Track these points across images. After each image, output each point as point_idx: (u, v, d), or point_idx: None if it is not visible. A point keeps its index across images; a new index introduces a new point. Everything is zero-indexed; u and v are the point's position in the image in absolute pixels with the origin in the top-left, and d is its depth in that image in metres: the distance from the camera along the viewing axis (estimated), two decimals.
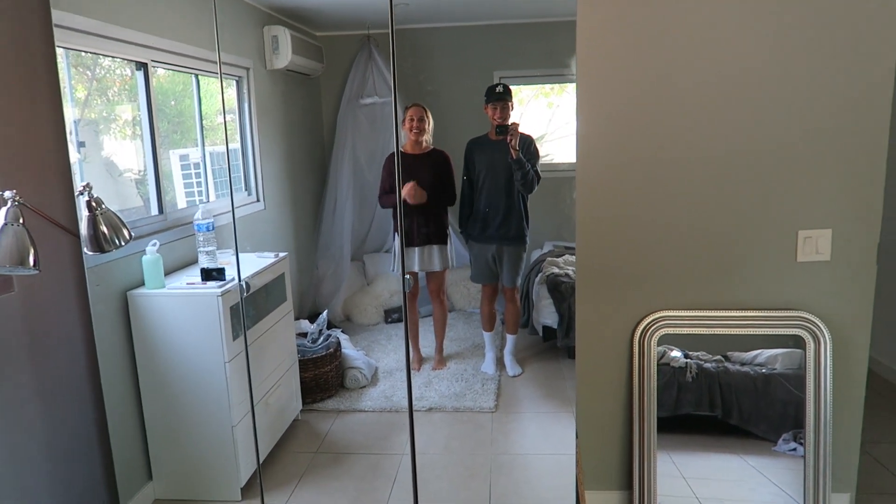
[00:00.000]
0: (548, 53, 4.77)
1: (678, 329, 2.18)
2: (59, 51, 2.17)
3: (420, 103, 3.68)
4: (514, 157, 3.39)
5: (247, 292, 2.51)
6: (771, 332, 2.16)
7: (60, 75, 2.07)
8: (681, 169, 2.08)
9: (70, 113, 2.39)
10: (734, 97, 2.03)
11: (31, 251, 1.63)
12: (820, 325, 2.10)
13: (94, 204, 1.95)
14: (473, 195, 3.66)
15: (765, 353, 2.25)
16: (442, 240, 3.72)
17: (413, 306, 3.81)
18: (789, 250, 2.11)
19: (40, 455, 1.96)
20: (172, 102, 3.23)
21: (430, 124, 3.66)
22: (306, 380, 3.28)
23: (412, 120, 3.60)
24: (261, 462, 2.66)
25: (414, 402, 2.48)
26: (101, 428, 2.22)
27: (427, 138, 3.66)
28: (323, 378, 3.36)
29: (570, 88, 5.41)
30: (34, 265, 1.64)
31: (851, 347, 2.14)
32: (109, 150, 2.66)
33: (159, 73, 2.92)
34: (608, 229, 2.13)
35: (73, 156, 2.11)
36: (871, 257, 2.09)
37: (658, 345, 2.18)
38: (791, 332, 2.13)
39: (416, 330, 3.88)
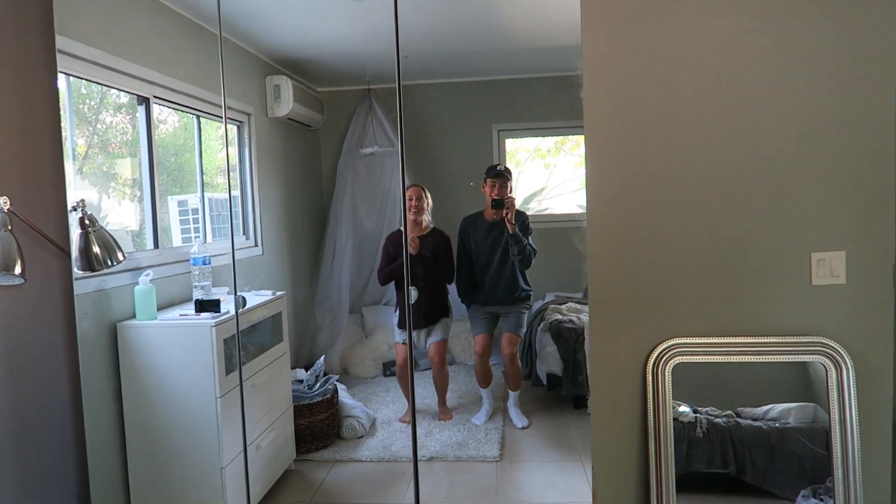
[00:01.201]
0: (546, 107, 4.86)
1: (693, 357, 2.09)
2: (60, 77, 2.17)
3: (418, 183, 3.74)
4: (511, 231, 3.40)
5: (242, 306, 2.41)
6: (789, 360, 2.06)
7: (62, 100, 2.05)
8: (691, 193, 2.04)
9: (70, 167, 2.36)
10: (745, 122, 2.01)
11: (18, 260, 1.57)
12: (841, 351, 2.01)
13: (87, 221, 1.90)
14: (472, 271, 3.67)
15: (777, 408, 2.16)
16: (443, 315, 3.72)
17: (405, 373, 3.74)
18: (803, 273, 2.05)
19: (11, 483, 1.82)
20: (172, 158, 3.23)
21: (428, 203, 3.68)
22: (301, 427, 3.14)
23: (411, 199, 3.63)
24: None
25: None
26: (80, 464, 2.08)
27: (426, 217, 3.67)
28: (318, 426, 3.21)
29: (566, 149, 5.50)
30: (20, 274, 1.56)
31: (874, 374, 2.04)
32: (106, 208, 2.62)
33: (161, 129, 2.93)
34: (619, 257, 2.08)
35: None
36: (888, 279, 2.03)
37: (673, 375, 2.09)
38: (811, 360, 2.04)
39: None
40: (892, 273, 2.03)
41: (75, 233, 1.88)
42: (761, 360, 2.07)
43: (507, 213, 3.39)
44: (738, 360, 2.07)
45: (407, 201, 3.60)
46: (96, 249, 1.90)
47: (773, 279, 2.05)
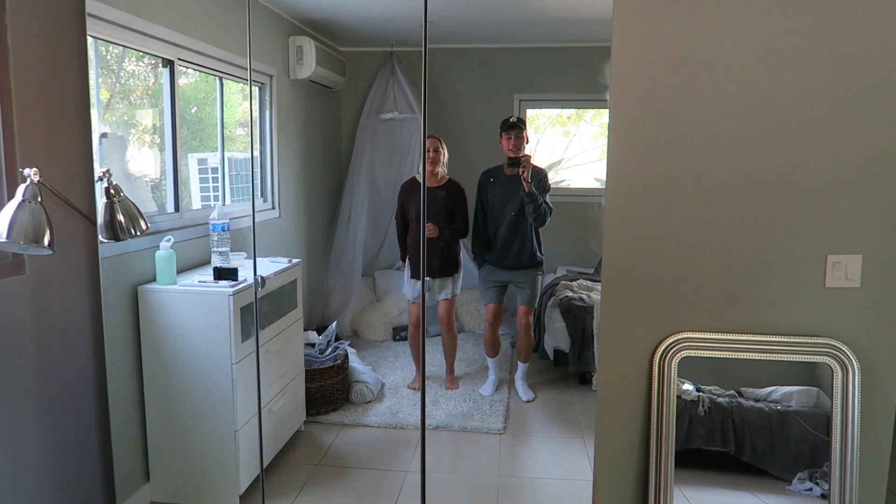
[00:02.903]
0: (569, 78, 4.79)
1: (700, 352, 2.11)
2: (88, 40, 2.17)
3: (435, 135, 3.69)
4: (527, 189, 3.38)
5: (262, 286, 2.46)
6: (796, 360, 2.09)
7: (89, 65, 2.06)
8: (709, 191, 2.04)
9: (94, 115, 2.38)
10: (764, 121, 1.99)
11: (47, 231, 1.60)
12: (849, 353, 2.03)
13: (112, 191, 1.93)
14: (487, 226, 3.65)
15: (780, 390, 2.17)
16: (453, 270, 3.70)
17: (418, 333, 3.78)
18: (818, 275, 2.05)
19: (40, 444, 1.90)
20: (194, 110, 3.23)
21: (444, 155, 3.67)
22: (311, 391, 3.22)
23: (427, 151, 3.59)
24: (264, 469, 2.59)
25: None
26: (103, 423, 2.16)
27: (442, 169, 3.66)
28: (328, 390, 3.29)
29: (587, 118, 5.43)
30: (49, 245, 1.60)
31: (880, 379, 2.06)
32: (128, 155, 2.65)
33: (181, 82, 2.92)
34: (634, 247, 2.08)
35: (95, 150, 2.09)
36: None
37: (679, 367, 2.12)
38: (818, 360, 2.07)
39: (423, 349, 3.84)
40: None
41: (101, 202, 1.91)
42: (768, 359, 2.09)
43: (523, 172, 3.38)
44: (744, 357, 2.10)
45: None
46: (121, 218, 1.94)
47: (787, 279, 2.06)
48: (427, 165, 3.59)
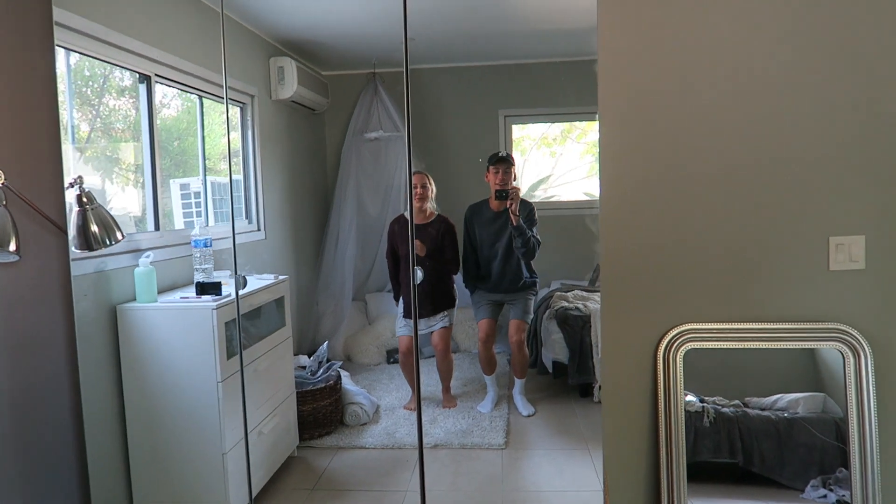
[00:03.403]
0: (554, 92, 4.78)
1: (705, 343, 2.04)
2: (59, 52, 2.11)
3: (422, 170, 3.67)
4: (515, 223, 3.34)
5: (243, 286, 2.36)
6: (805, 346, 2.01)
7: (59, 77, 1.99)
8: (708, 176, 1.99)
9: (71, 153, 2.31)
10: (761, 104, 1.96)
11: (13, 236, 1.52)
12: (860, 338, 1.95)
13: (84, 199, 1.84)
14: (478, 260, 3.64)
15: (786, 398, 2.11)
16: (448, 305, 3.68)
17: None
18: (821, 258, 1.99)
19: (11, 473, 1.78)
20: (176, 142, 3.18)
21: (432, 190, 3.62)
22: (304, 413, 3.10)
23: (415, 187, 3.56)
24: (253, 496, 2.46)
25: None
26: (80, 448, 2.03)
27: (430, 205, 3.61)
28: (322, 412, 3.18)
29: (573, 137, 5.43)
30: (16, 251, 1.52)
31: (893, 362, 1.99)
32: (109, 193, 2.58)
33: (163, 114, 2.87)
34: (632, 239, 2.03)
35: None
36: None
37: (684, 360, 2.04)
38: (827, 346, 1.99)
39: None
40: None
41: (73, 210, 1.83)
42: (776, 347, 2.02)
43: (511, 205, 3.33)
44: (752, 347, 2.02)
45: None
46: (94, 228, 1.85)
47: (790, 264, 2.00)
48: (414, 202, 3.54)
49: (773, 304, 2.02)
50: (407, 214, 3.59)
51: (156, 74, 2.64)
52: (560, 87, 4.72)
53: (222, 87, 2.60)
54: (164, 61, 2.65)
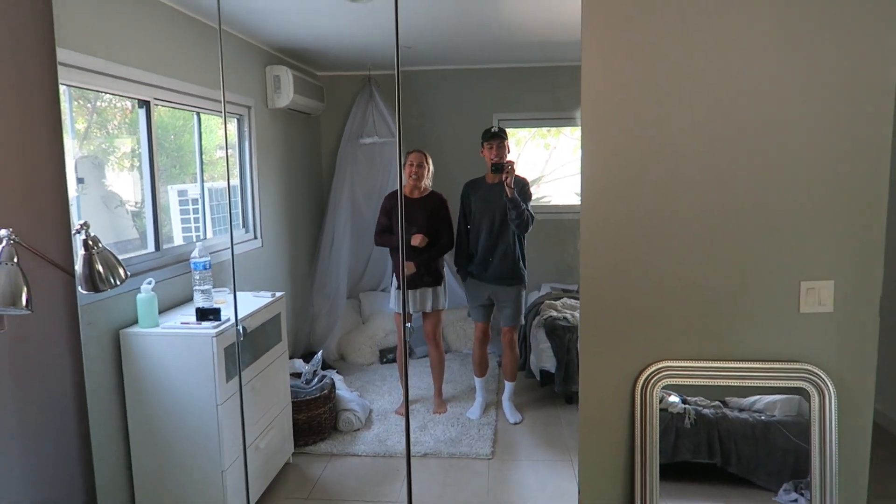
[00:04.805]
0: (546, 97, 4.83)
1: (680, 380, 2.14)
2: (61, 88, 2.17)
3: (421, 149, 3.69)
4: (510, 195, 3.36)
5: (243, 337, 2.46)
6: (775, 385, 2.12)
7: (62, 113, 2.06)
8: (684, 220, 2.06)
9: (70, 145, 2.37)
10: (737, 150, 2.02)
11: (24, 291, 1.60)
12: (825, 377, 2.06)
13: (90, 243, 1.92)
14: (470, 237, 3.64)
15: (763, 400, 2.20)
16: (437, 282, 3.68)
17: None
18: (792, 301, 2.09)
19: (20, 497, 1.89)
20: (172, 137, 3.23)
21: (429, 170, 3.66)
22: (299, 422, 3.22)
23: (412, 165, 3.60)
24: None
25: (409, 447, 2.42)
26: (87, 469, 2.14)
27: (426, 183, 3.66)
28: (316, 420, 3.29)
29: (567, 131, 5.48)
30: (26, 305, 1.60)
31: (856, 400, 2.10)
32: (107, 182, 2.65)
33: (160, 109, 2.92)
34: (611, 279, 2.10)
35: (72, 191, 2.09)
36: (874, 309, 2.07)
37: (660, 396, 2.14)
38: (795, 385, 2.10)
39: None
40: (878, 303, 2.07)
41: (79, 254, 1.91)
42: (748, 385, 2.12)
43: (506, 178, 3.37)
44: (725, 385, 2.13)
45: (408, 167, 3.60)
46: (100, 268, 1.92)
47: (764, 306, 2.09)
48: (410, 180, 3.60)
49: (747, 343, 2.12)
50: (404, 191, 3.63)
51: (154, 98, 2.69)
52: (552, 92, 4.77)
53: (220, 101, 2.64)
54: (163, 85, 2.70)
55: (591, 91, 2.02)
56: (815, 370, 2.08)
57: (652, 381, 2.14)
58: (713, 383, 2.13)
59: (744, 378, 2.12)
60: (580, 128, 2.07)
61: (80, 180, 2.38)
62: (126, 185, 2.78)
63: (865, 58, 1.96)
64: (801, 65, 1.98)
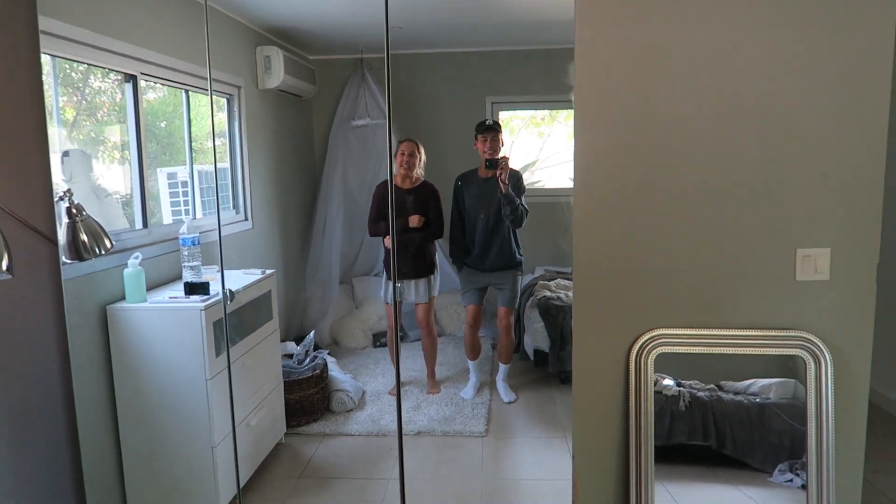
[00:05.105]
0: (540, 80, 4.80)
1: (675, 348, 2.12)
2: (45, 58, 2.13)
3: (412, 138, 3.64)
4: (504, 191, 3.35)
5: (230, 300, 2.42)
6: (771, 353, 2.10)
7: (45, 83, 2.01)
8: (679, 188, 2.04)
9: (58, 135, 2.34)
10: (733, 118, 2.00)
11: (5, 255, 1.56)
12: (821, 345, 2.05)
13: (73, 210, 1.88)
14: (465, 229, 3.62)
15: (759, 383, 2.18)
16: (429, 272, 3.66)
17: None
18: (788, 269, 2.07)
19: (6, 472, 1.86)
20: (163, 124, 3.19)
21: (421, 159, 3.61)
22: (291, 402, 3.19)
23: (403, 154, 3.56)
24: (241, 487, 2.55)
25: (402, 426, 2.39)
26: (73, 446, 2.11)
27: (418, 172, 3.62)
28: (308, 400, 3.26)
29: (561, 118, 5.46)
30: (7, 269, 1.56)
31: (852, 369, 2.08)
32: (97, 173, 2.61)
33: (150, 97, 2.88)
34: (605, 246, 2.08)
35: (60, 180, 2.05)
36: (871, 277, 2.05)
37: (655, 364, 2.12)
38: (791, 353, 2.08)
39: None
40: (874, 271, 2.06)
41: (63, 222, 1.87)
42: (743, 353, 2.10)
43: (500, 174, 3.35)
44: (720, 352, 2.11)
45: (399, 156, 3.56)
46: (84, 238, 1.89)
47: (759, 274, 2.07)
48: (401, 169, 3.55)
49: (742, 312, 2.10)
50: (396, 181, 3.61)
51: (141, 73, 2.65)
52: (546, 75, 4.74)
53: (208, 80, 2.61)
54: (150, 59, 2.66)
55: (585, 64, 2.00)
56: (812, 338, 2.06)
57: (647, 349, 2.12)
58: (708, 351, 2.11)
59: (739, 346, 2.10)
60: (573, 101, 2.04)
61: (66, 181, 2.34)
62: (115, 176, 2.73)
63: (862, 25, 1.94)
64: (797, 35, 1.96)
